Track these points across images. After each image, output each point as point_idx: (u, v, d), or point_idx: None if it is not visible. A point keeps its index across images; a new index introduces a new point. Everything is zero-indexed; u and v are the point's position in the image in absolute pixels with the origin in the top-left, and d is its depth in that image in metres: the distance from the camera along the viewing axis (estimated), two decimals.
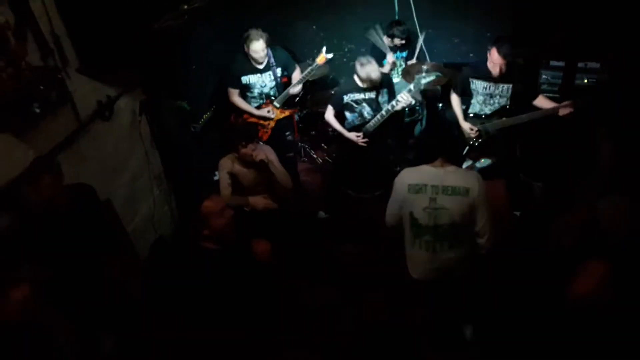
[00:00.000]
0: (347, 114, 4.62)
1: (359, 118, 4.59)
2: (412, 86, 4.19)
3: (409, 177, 3.00)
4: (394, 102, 4.29)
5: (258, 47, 4.40)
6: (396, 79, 5.48)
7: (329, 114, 4.61)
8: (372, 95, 4.46)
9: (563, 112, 4.04)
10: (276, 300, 3.50)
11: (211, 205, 2.76)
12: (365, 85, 4.38)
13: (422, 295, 3.40)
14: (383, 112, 4.35)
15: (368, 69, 4.21)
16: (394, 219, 3.13)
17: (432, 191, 2.88)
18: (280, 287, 3.73)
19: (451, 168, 2.94)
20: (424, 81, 4.15)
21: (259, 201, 4.06)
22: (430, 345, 3.57)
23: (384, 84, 4.48)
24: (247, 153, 3.76)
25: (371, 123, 4.45)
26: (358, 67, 4.27)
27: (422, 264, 3.08)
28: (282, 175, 3.98)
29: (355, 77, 4.40)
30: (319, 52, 4.52)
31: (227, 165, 3.91)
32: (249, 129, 4.14)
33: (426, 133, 3.10)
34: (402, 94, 4.24)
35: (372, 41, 5.18)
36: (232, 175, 3.93)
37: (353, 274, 4.26)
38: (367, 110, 4.53)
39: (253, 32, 4.38)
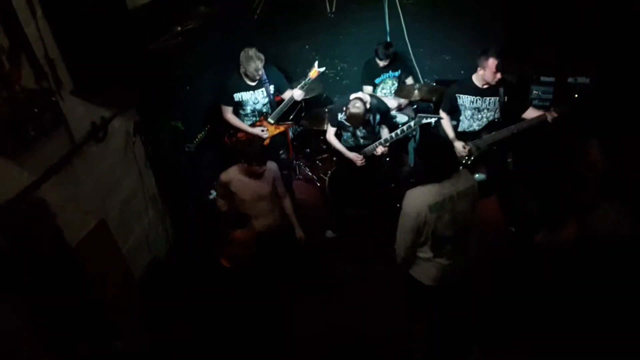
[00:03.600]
0: (342, 132, 4.71)
1: (353, 138, 4.67)
2: (412, 123, 4.31)
3: (425, 198, 2.89)
4: (393, 134, 4.43)
5: (259, 66, 4.49)
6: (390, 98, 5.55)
7: (330, 134, 4.73)
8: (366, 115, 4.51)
9: (550, 117, 4.08)
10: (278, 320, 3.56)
11: (242, 235, 2.91)
12: None
13: (433, 302, 3.35)
14: (382, 140, 4.49)
15: (350, 110, 4.30)
16: (411, 250, 3.03)
17: (450, 202, 2.91)
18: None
19: (455, 174, 2.97)
20: (424, 121, 4.33)
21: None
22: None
23: (375, 110, 4.57)
24: (256, 171, 3.77)
25: (369, 147, 4.57)
26: (349, 104, 4.35)
27: (442, 271, 3.08)
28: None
29: None
30: (312, 67, 4.61)
31: (225, 181, 3.89)
32: (263, 152, 3.97)
33: (427, 156, 3.06)
34: (399, 129, 4.40)
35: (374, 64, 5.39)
36: (231, 193, 3.92)
37: (357, 291, 4.30)
38: (359, 129, 4.60)
39: (254, 53, 4.46)
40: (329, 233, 5.03)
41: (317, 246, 4.83)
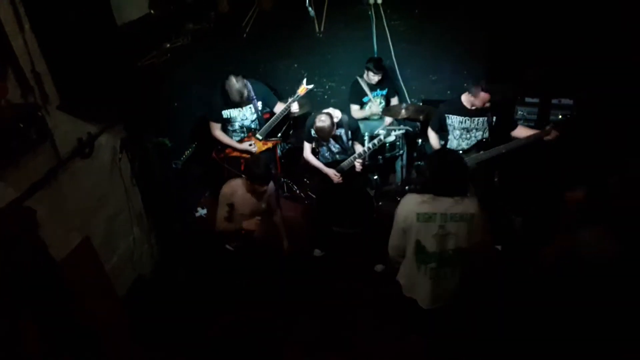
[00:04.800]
0: (319, 148, 4.82)
1: (329, 152, 4.80)
2: (381, 136, 4.39)
3: (417, 206, 2.92)
4: (364, 148, 4.54)
5: (242, 89, 4.52)
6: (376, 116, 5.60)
7: (307, 152, 4.81)
8: (337, 132, 4.64)
9: (552, 136, 4.06)
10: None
11: None
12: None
13: (422, 321, 3.36)
14: (356, 154, 4.57)
15: (316, 124, 4.40)
16: (397, 250, 3.10)
17: (441, 219, 2.88)
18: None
19: (458, 197, 2.92)
20: (393, 134, 4.42)
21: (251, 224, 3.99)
22: None
23: (347, 126, 4.69)
24: (258, 190, 3.77)
25: (345, 162, 4.62)
26: (315, 118, 4.44)
27: (425, 291, 3.06)
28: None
29: None
30: (300, 84, 4.63)
31: (227, 194, 3.87)
32: (268, 173, 3.89)
33: (434, 164, 3.04)
34: (371, 142, 4.48)
35: (361, 83, 5.41)
36: (231, 206, 3.89)
37: (345, 310, 4.24)
38: (332, 144, 4.72)
39: (233, 79, 4.50)
40: (317, 252, 5.00)
41: (304, 264, 4.79)
